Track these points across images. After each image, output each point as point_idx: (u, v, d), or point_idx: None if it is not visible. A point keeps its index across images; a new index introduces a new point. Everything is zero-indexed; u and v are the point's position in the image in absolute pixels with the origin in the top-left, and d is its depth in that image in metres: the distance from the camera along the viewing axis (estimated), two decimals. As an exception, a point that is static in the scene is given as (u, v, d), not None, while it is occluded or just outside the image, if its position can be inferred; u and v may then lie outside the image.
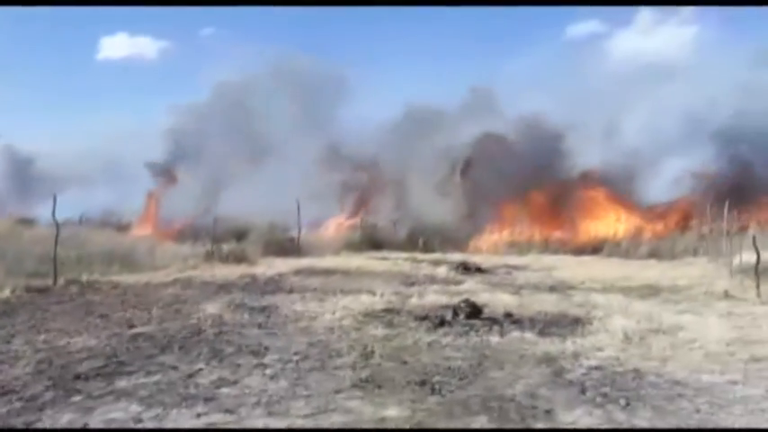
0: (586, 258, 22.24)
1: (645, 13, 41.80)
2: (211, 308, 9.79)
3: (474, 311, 9.06)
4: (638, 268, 17.59)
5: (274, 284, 13.09)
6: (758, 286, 11.45)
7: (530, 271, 17.27)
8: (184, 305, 10.14)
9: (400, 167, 30.76)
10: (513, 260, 20.86)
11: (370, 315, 9.26)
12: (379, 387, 5.60)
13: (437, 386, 5.64)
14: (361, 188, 32.86)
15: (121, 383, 5.65)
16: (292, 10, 43.44)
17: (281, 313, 9.46)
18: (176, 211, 30.29)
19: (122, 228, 28.77)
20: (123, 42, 53.77)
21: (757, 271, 11.84)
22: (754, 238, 12.88)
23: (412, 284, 13.22)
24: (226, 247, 18.66)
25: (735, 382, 5.82)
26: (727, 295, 11.51)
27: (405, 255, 22.74)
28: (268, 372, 6.10)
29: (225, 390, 5.50)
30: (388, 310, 9.67)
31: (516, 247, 26.22)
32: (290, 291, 12.05)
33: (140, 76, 50.17)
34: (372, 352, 6.92)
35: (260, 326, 8.46)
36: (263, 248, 20.53)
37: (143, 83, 52.54)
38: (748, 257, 13.19)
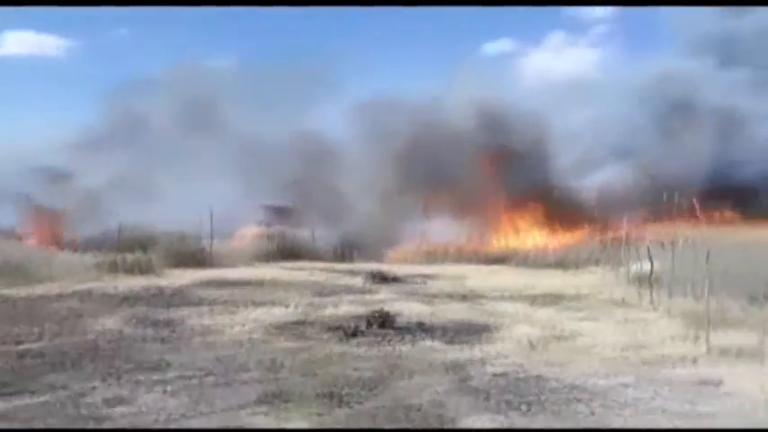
0: (497, 267, 22.90)
1: (555, 34, 44.46)
2: (111, 322, 9.28)
3: (386, 321, 9.09)
4: (544, 277, 18.29)
5: (181, 296, 12.54)
6: (651, 294, 12.21)
7: (443, 280, 17.54)
8: (82, 319, 9.54)
9: (335, 173, 30.42)
10: (428, 269, 21.12)
11: (282, 327, 9.08)
12: (286, 401, 5.48)
13: (345, 398, 5.60)
14: (289, 195, 32.13)
15: (0, 405, 5.20)
16: (203, 12, 41.61)
17: (187, 327, 9.09)
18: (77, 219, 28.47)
19: (17, 236, 26.72)
20: (29, 39, 50.24)
21: (650, 279, 12.63)
22: (648, 249, 13.73)
23: (327, 295, 13.07)
24: (131, 257, 17.72)
25: (626, 385, 6.15)
26: (623, 302, 12.20)
27: (322, 265, 22.51)
28: (168, 389, 5.83)
29: (119, 409, 5.19)
30: (299, 322, 9.52)
31: (432, 257, 26.63)
32: (198, 303, 11.59)
33: (45, 75, 46.79)
34: (281, 365, 6.78)
35: (163, 340, 8.09)
36: (172, 259, 19.64)
37: (48, 82, 49.00)
38: (645, 266, 14.03)
